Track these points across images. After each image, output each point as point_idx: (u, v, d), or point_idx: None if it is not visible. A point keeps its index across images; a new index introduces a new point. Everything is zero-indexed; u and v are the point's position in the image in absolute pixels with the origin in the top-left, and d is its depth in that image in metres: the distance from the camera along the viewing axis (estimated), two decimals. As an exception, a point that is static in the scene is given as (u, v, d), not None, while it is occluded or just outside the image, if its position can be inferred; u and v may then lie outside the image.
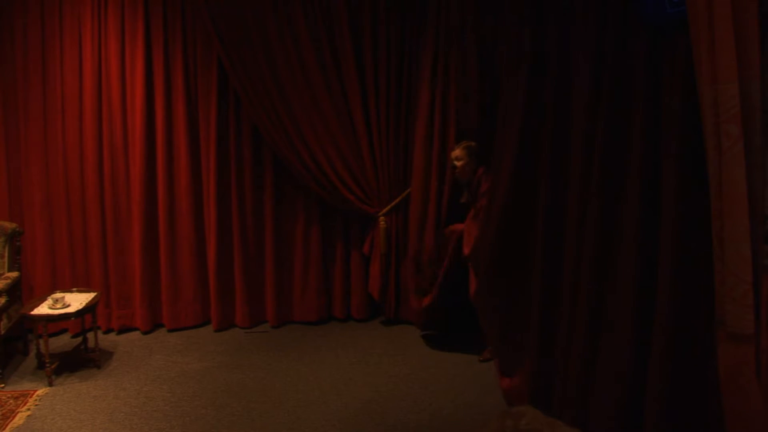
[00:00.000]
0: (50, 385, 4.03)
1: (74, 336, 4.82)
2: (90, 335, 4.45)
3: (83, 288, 4.62)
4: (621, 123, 2.44)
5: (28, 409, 3.71)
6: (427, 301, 4.45)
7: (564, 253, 2.85)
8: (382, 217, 4.96)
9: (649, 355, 2.27)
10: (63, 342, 4.75)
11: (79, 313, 4.14)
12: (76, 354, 4.46)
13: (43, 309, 4.11)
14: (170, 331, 4.99)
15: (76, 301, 4.23)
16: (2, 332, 4.09)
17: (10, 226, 4.52)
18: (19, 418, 3.60)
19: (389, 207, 4.96)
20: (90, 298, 4.28)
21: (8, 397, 3.85)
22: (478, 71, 4.12)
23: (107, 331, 4.95)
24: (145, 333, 4.95)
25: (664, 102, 2.24)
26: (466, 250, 4.07)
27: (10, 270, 4.42)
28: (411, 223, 4.74)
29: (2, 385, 4.02)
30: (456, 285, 4.28)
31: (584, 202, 2.64)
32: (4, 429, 3.46)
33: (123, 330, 4.97)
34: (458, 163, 4.20)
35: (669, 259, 2.19)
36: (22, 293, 4.57)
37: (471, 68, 4.14)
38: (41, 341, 4.09)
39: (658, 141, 2.25)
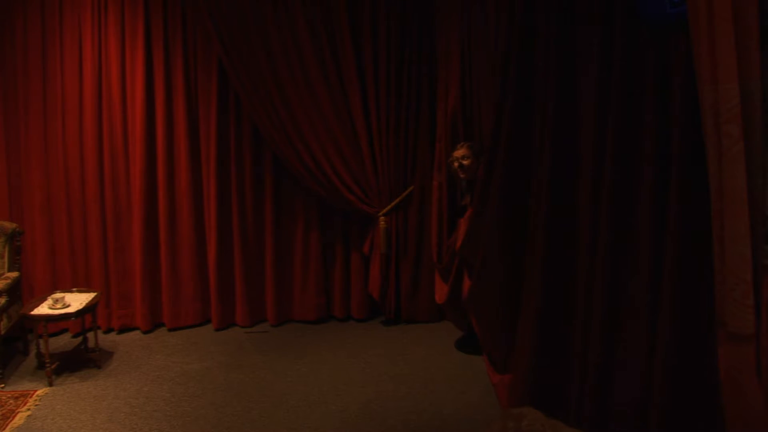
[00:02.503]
0: (50, 385, 4.03)
1: (74, 336, 4.82)
2: (90, 335, 4.45)
3: (83, 288, 4.63)
4: (631, 125, 2.43)
5: (28, 409, 3.71)
6: (446, 291, 4.43)
7: (576, 252, 2.84)
8: (382, 217, 4.96)
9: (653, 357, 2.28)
10: (63, 342, 4.76)
11: (79, 313, 4.14)
12: (76, 354, 4.46)
13: (43, 309, 4.11)
14: (170, 330, 5.00)
15: (77, 301, 4.23)
16: (2, 332, 4.10)
17: (10, 226, 4.52)
18: (19, 418, 3.60)
19: (389, 207, 4.96)
20: (90, 298, 4.28)
21: (8, 397, 3.85)
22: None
23: (107, 331, 4.95)
24: (146, 332, 4.96)
25: (666, 103, 2.24)
26: (457, 245, 4.07)
27: (10, 270, 4.42)
28: (433, 216, 4.72)
29: (2, 385, 4.02)
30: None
31: (596, 203, 2.63)
32: (4, 429, 3.46)
33: (123, 330, 4.97)
34: (466, 162, 4.18)
35: (671, 259, 2.19)
36: (22, 293, 4.58)
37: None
38: (41, 341, 4.09)
39: (668, 141, 2.25)
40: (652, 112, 2.32)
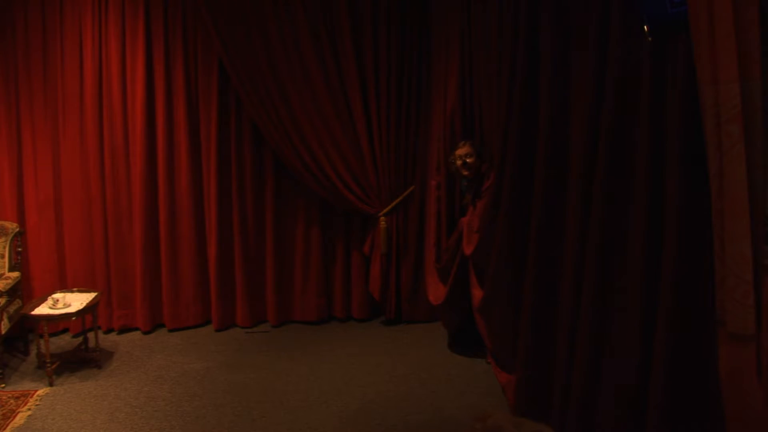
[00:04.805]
0: (51, 385, 4.03)
1: (75, 336, 4.82)
2: (90, 335, 4.46)
3: (84, 288, 4.63)
4: (628, 125, 2.43)
5: (29, 409, 3.71)
6: (444, 291, 4.42)
7: (564, 255, 2.85)
8: (382, 217, 4.96)
9: (652, 358, 2.27)
10: (64, 342, 4.76)
11: (79, 313, 4.15)
12: (76, 354, 4.47)
13: (43, 309, 4.12)
14: (171, 330, 5.00)
15: (77, 301, 4.24)
16: (3, 332, 4.10)
17: (11, 226, 4.53)
18: (20, 418, 3.60)
19: (390, 207, 4.96)
20: (90, 298, 4.29)
21: (9, 397, 3.86)
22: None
23: (108, 331, 4.96)
24: (146, 333, 4.96)
25: (666, 102, 2.24)
26: (467, 250, 4.06)
27: (11, 270, 4.42)
28: (431, 216, 4.70)
29: (3, 385, 4.02)
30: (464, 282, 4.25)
31: (587, 203, 2.63)
32: (4, 429, 3.46)
33: (123, 330, 4.98)
34: (470, 160, 4.17)
35: (671, 260, 2.19)
36: (23, 293, 4.58)
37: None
38: (42, 341, 4.10)
39: (664, 142, 2.25)
40: (650, 112, 2.32)
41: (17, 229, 4.54)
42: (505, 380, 3.60)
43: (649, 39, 2.17)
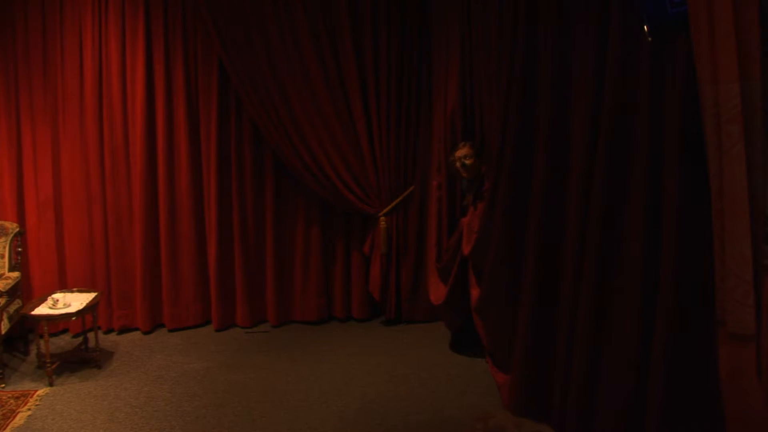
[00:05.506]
0: (51, 385, 4.03)
1: (75, 336, 4.82)
2: (90, 335, 4.45)
3: (84, 288, 4.63)
4: (627, 125, 2.43)
5: (29, 409, 3.71)
6: (445, 291, 4.42)
7: (563, 255, 2.85)
8: (382, 217, 4.96)
9: (651, 358, 2.27)
10: (64, 342, 4.76)
11: (79, 313, 4.15)
12: (76, 354, 4.47)
13: (43, 309, 4.12)
14: (171, 331, 5.00)
15: (77, 301, 4.24)
16: (3, 332, 4.10)
17: (11, 226, 4.53)
18: (20, 418, 3.60)
19: (390, 207, 4.96)
20: (90, 298, 4.29)
21: (9, 397, 3.86)
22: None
23: (108, 331, 4.96)
24: (146, 333, 4.96)
25: (666, 102, 2.24)
26: (466, 250, 4.06)
27: (11, 270, 4.42)
28: (432, 216, 4.71)
29: (3, 385, 4.02)
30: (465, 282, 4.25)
31: (587, 203, 2.63)
32: (4, 429, 3.46)
33: (123, 330, 4.98)
34: (469, 162, 4.18)
35: (670, 259, 2.19)
36: (23, 293, 4.58)
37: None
38: (42, 341, 4.09)
39: (663, 142, 2.25)
40: (650, 112, 2.32)
41: (17, 229, 4.54)
42: (502, 380, 3.60)
43: (649, 39, 2.17)
